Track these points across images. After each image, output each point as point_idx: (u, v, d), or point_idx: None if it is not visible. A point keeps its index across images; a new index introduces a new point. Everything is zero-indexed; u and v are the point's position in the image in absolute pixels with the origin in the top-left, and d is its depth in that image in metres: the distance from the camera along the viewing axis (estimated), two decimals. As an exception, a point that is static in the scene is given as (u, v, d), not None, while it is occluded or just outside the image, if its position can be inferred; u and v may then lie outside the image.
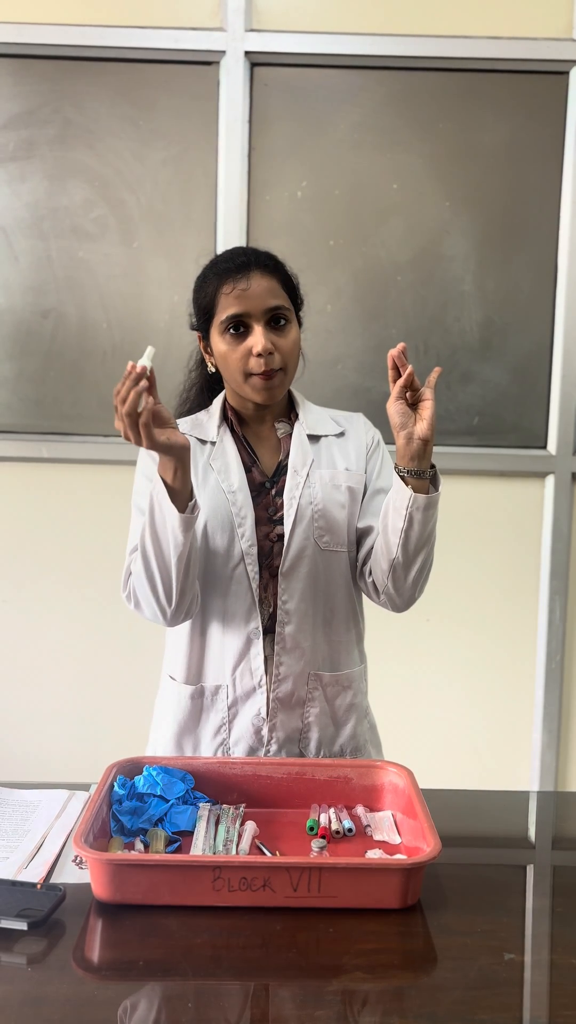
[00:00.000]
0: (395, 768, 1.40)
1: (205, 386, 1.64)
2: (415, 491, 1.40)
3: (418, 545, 1.43)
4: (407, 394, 1.38)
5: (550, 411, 2.58)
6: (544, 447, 2.59)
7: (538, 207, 2.54)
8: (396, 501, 1.43)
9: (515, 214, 2.54)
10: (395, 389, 1.37)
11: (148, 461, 1.52)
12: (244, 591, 1.50)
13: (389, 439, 1.49)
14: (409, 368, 1.36)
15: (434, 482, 1.42)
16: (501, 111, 2.51)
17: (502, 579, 2.63)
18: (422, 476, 1.40)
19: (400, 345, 1.36)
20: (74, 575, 2.60)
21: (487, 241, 2.54)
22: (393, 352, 1.36)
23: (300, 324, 1.53)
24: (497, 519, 2.60)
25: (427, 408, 1.37)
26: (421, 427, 1.37)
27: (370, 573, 1.53)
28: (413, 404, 1.39)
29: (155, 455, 1.44)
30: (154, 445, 1.31)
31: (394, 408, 1.38)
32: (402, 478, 1.41)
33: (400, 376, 1.37)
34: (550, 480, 2.57)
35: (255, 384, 1.46)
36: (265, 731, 1.52)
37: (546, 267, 2.55)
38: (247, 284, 1.44)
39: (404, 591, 1.49)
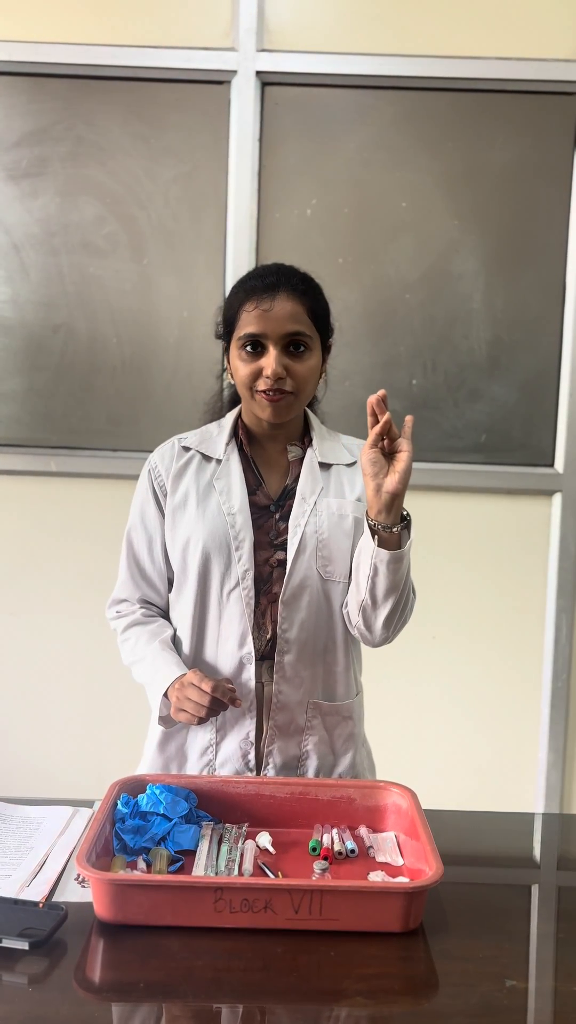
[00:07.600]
0: (398, 789, 1.39)
1: (231, 394, 1.62)
2: (384, 542, 1.38)
3: (386, 592, 1.42)
4: (383, 442, 1.35)
5: (557, 429, 2.58)
6: (551, 465, 2.59)
7: (546, 226, 2.54)
8: (365, 548, 1.41)
9: (523, 233, 2.55)
10: (370, 436, 1.34)
11: (144, 493, 1.55)
12: (239, 615, 1.48)
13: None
14: (386, 415, 1.32)
15: (409, 528, 1.40)
16: (510, 131, 2.52)
17: (509, 597, 2.62)
18: (391, 529, 1.38)
19: (380, 392, 1.33)
20: (81, 589, 2.61)
21: (495, 259, 2.55)
22: (372, 399, 1.33)
23: (328, 351, 1.51)
24: (504, 537, 2.60)
25: (401, 460, 1.34)
26: (391, 480, 1.34)
27: (346, 606, 1.52)
28: (390, 453, 1.36)
29: (153, 486, 1.55)
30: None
31: (367, 456, 1.35)
32: (372, 528, 1.39)
33: (378, 422, 1.33)
34: (557, 498, 2.57)
35: (261, 402, 1.46)
36: (252, 756, 1.51)
37: (554, 286, 2.56)
38: (270, 305, 1.43)
39: (375, 631, 1.48)
